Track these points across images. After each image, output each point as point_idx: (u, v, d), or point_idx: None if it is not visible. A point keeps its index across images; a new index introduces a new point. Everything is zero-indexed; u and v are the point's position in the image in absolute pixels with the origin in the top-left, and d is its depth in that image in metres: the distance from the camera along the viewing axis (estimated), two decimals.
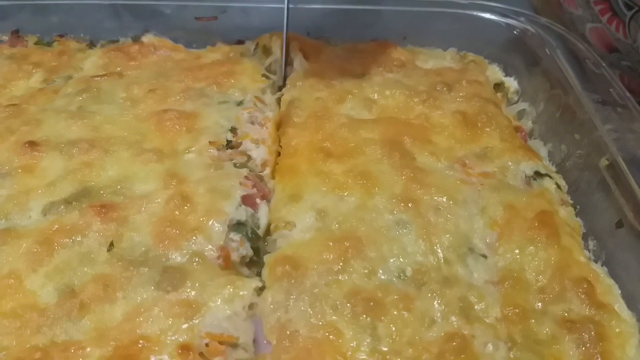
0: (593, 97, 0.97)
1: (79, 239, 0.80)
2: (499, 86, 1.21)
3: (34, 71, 1.18)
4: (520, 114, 1.16)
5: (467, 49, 1.25)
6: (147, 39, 1.26)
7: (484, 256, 0.82)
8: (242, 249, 0.84)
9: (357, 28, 1.30)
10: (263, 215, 0.91)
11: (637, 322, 0.75)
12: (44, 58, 1.22)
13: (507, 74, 1.22)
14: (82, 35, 1.30)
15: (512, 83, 1.21)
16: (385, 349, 0.70)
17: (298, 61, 1.22)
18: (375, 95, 1.13)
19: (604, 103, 0.95)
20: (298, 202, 0.90)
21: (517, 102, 1.18)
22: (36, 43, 1.28)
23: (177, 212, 0.84)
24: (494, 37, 1.23)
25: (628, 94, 0.97)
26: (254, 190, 0.92)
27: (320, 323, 0.73)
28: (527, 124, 1.14)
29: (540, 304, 0.77)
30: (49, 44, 1.28)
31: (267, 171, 0.99)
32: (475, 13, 1.22)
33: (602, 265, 0.84)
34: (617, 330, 0.74)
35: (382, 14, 1.28)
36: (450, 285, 0.77)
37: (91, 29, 1.30)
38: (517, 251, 0.82)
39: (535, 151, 1.03)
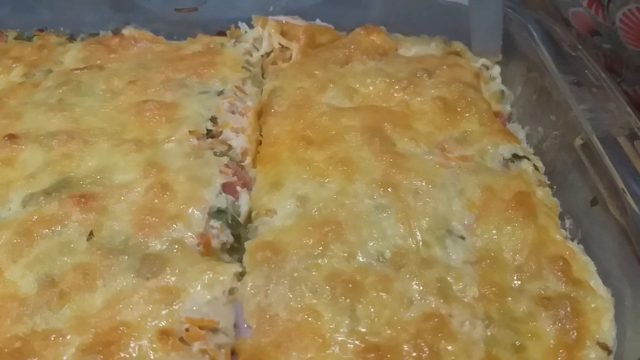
0: (568, 79, 0.98)
1: (58, 229, 0.80)
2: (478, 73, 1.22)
3: (13, 66, 1.17)
4: (499, 99, 1.17)
5: (447, 36, 1.26)
6: (127, 31, 1.25)
7: (462, 237, 0.83)
8: (222, 235, 0.84)
9: (340, 16, 1.30)
10: (244, 203, 0.91)
11: (612, 297, 0.76)
12: (24, 52, 1.21)
13: (487, 61, 1.23)
14: (62, 29, 1.30)
15: (492, 68, 1.22)
16: (363, 329, 0.71)
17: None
18: (357, 84, 1.13)
19: (579, 84, 0.96)
20: (279, 190, 0.91)
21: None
22: (16, 38, 1.28)
23: (156, 201, 0.84)
24: None
25: (603, 75, 0.98)
26: (235, 178, 0.92)
27: (300, 306, 0.73)
28: (506, 108, 1.15)
29: (517, 282, 0.78)
30: (29, 39, 1.28)
31: (248, 160, 0.99)
32: (452, 0, 1.22)
33: (578, 243, 0.85)
34: (592, 306, 0.75)
35: (363, 2, 1.28)
36: (429, 266, 0.78)
37: (71, 23, 1.30)
38: (494, 231, 0.83)
39: (514, 134, 1.05)
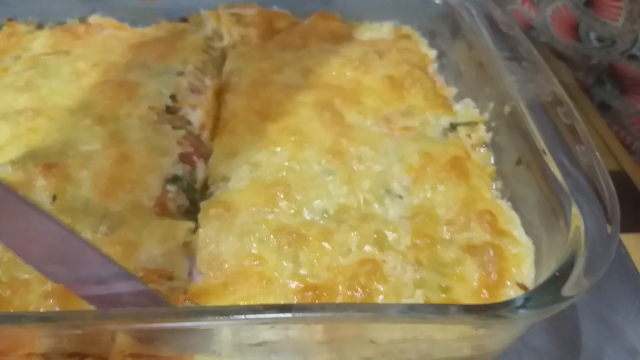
0: (503, 55, 1.06)
1: (24, 194, 0.86)
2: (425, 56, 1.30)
3: None
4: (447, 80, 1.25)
5: (399, 21, 1.35)
6: (93, 19, 1.31)
7: (400, 197, 0.91)
8: (178, 199, 0.91)
9: (297, 4, 1.38)
10: (200, 171, 0.98)
11: (533, 245, 0.84)
12: None
13: (436, 43, 1.31)
14: (30, 18, 1.35)
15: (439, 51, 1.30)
16: (304, 273, 0.78)
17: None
18: (312, 65, 1.20)
19: (512, 59, 1.04)
20: (234, 158, 0.97)
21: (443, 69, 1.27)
22: None
23: (116, 168, 0.90)
24: (422, 8, 1.32)
25: (535, 51, 1.07)
26: (192, 149, 0.99)
27: (247, 253, 0.80)
28: (453, 89, 1.22)
29: (447, 233, 0.85)
30: None
31: (206, 134, 1.06)
32: None
33: (507, 201, 0.93)
34: (514, 252, 0.83)
35: None
36: (367, 221, 0.85)
37: (40, 13, 1.35)
38: (429, 191, 0.91)
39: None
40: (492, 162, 1.01)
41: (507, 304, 0.64)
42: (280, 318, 0.61)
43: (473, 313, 0.63)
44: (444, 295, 0.77)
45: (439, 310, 0.63)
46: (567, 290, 0.65)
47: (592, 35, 1.21)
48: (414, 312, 0.62)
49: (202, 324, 0.61)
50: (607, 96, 1.37)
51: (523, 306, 0.63)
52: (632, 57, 1.17)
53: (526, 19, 1.37)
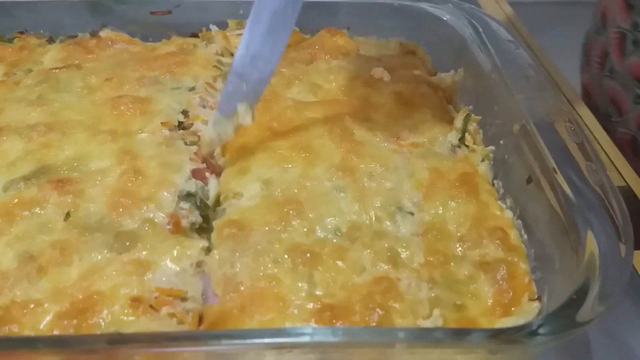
0: (511, 72, 1.07)
1: (37, 210, 0.86)
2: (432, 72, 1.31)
3: None
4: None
5: (405, 38, 1.36)
6: (104, 33, 1.32)
7: (411, 213, 0.91)
8: (191, 216, 0.91)
9: (306, 21, 1.39)
10: (212, 187, 0.98)
11: (546, 263, 0.85)
12: (5, 53, 1.27)
13: (442, 59, 1.32)
14: (42, 32, 1.36)
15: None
16: (320, 293, 0.78)
17: None
18: (321, 80, 1.22)
19: (520, 77, 1.05)
20: (246, 175, 0.98)
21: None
22: None
23: (129, 184, 0.91)
24: (428, 25, 1.33)
25: (542, 69, 1.08)
26: (204, 165, 0.99)
27: (262, 274, 0.80)
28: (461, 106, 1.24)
29: (459, 250, 0.86)
30: (10, 41, 1.33)
31: (218, 150, 1.06)
32: (408, 3, 1.32)
33: (517, 220, 0.94)
34: (526, 268, 0.83)
35: (324, 6, 1.37)
36: (380, 238, 0.86)
37: (51, 26, 1.36)
38: (440, 208, 0.91)
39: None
40: (497, 179, 1.02)
41: (521, 328, 0.65)
42: (297, 343, 0.62)
43: (487, 338, 0.63)
44: (458, 314, 0.78)
45: (454, 335, 0.64)
46: (581, 315, 0.65)
47: None
48: (429, 336, 0.63)
49: (219, 348, 0.62)
50: None
51: (537, 331, 0.64)
52: None
53: None
